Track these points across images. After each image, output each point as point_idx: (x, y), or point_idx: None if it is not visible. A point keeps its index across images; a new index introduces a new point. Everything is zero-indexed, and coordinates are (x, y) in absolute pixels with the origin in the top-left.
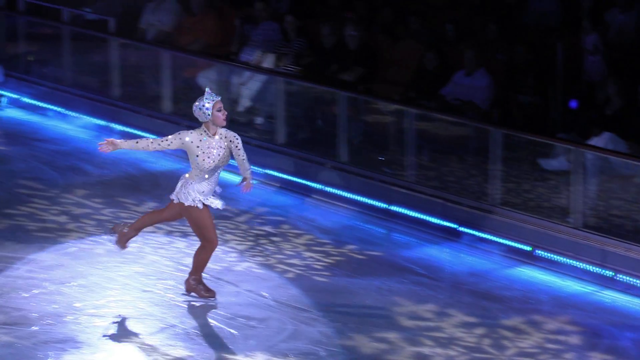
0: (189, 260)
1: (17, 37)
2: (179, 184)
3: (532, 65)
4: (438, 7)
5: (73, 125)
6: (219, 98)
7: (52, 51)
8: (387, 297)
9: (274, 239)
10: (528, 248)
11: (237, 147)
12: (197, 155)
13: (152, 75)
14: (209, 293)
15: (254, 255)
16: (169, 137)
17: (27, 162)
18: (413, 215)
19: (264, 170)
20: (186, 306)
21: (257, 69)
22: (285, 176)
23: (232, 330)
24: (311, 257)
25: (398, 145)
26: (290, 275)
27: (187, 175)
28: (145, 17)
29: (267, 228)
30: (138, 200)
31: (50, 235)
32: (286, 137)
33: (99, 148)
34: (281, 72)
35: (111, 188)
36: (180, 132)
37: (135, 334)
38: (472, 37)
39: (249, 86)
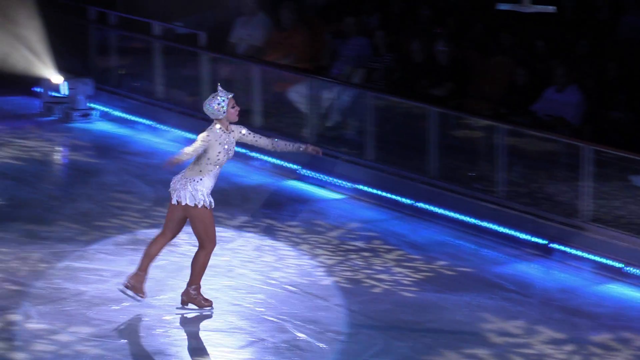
0: (278, 275)
1: (108, 51)
2: (183, 184)
3: (624, 81)
4: (529, 22)
5: (163, 139)
6: (232, 95)
7: (142, 65)
8: (476, 313)
9: (364, 254)
10: (619, 265)
11: (249, 134)
12: (219, 152)
13: (243, 89)
14: (207, 302)
15: (342, 270)
16: (201, 142)
17: (118, 175)
18: (503, 231)
19: (354, 185)
20: (276, 320)
21: (347, 83)
22: (375, 191)
23: (321, 345)
24: (400, 273)
25: (488, 160)
26: (378, 290)
27: (188, 173)
28: (236, 31)
29: (358, 243)
30: (229, 214)
31: (140, 247)
32: (376, 152)
33: (164, 167)
34: (371, 87)
35: None
36: (204, 136)
37: (225, 348)
38: (563, 53)
39: (339, 101)
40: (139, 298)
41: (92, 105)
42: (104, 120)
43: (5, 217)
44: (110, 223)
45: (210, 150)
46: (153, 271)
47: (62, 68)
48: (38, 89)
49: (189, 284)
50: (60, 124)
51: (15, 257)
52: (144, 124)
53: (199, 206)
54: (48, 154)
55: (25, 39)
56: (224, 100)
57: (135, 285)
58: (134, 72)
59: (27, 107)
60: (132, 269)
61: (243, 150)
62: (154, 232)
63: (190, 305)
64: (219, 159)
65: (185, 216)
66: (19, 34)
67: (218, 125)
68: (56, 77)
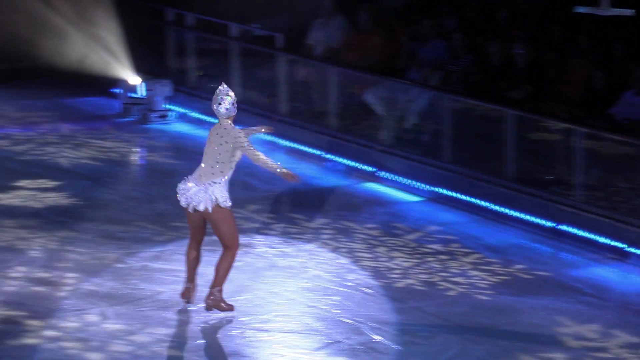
0: (354, 276)
1: (186, 53)
2: (203, 190)
3: None
4: (607, 25)
5: None
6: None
7: (219, 66)
8: (553, 317)
9: (441, 257)
10: None
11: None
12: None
13: (319, 91)
14: (229, 307)
15: (418, 273)
16: (248, 140)
17: None
18: (581, 234)
19: (430, 188)
20: (352, 322)
21: (424, 86)
22: (452, 193)
23: (397, 347)
24: (476, 276)
25: (566, 164)
26: (453, 293)
27: (205, 178)
28: (313, 33)
29: (436, 246)
30: (306, 215)
31: (216, 248)
32: (453, 155)
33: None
34: (448, 90)
35: (278, 203)
36: (244, 134)
37: (301, 349)
38: None
39: (416, 103)
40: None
41: (169, 106)
42: (181, 122)
43: (83, 217)
44: (186, 224)
45: (238, 153)
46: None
47: (140, 69)
48: (116, 90)
49: (213, 286)
50: (137, 125)
51: (92, 257)
52: None
53: (225, 207)
54: (125, 154)
55: (103, 40)
56: (233, 97)
57: (189, 296)
58: (211, 73)
59: (105, 108)
60: (208, 270)
61: (318, 152)
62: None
63: (267, 307)
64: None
65: (204, 218)
66: (98, 35)
67: (230, 124)
68: (134, 79)
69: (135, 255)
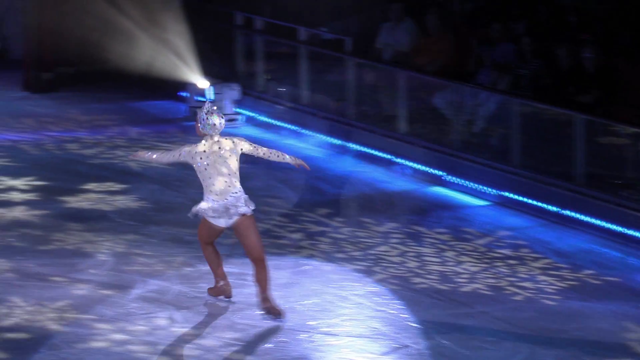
0: (419, 280)
1: (254, 56)
2: (238, 199)
3: None
4: None
5: (308, 144)
6: None
7: (288, 70)
8: (621, 322)
9: (510, 261)
10: None
11: None
12: None
13: (388, 95)
14: (278, 312)
15: (485, 278)
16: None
17: (264, 180)
18: None
19: (498, 192)
20: (419, 326)
21: (493, 90)
22: (520, 198)
23: (465, 352)
24: (544, 281)
25: (635, 168)
26: (519, 297)
27: (234, 189)
28: (382, 37)
29: (505, 251)
30: (375, 219)
31: (283, 252)
32: (521, 159)
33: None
34: (517, 94)
35: (347, 207)
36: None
37: (368, 354)
38: None
39: (484, 107)
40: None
41: (238, 110)
42: (250, 125)
43: (150, 220)
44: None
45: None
46: (296, 276)
47: (208, 73)
48: (184, 94)
49: (261, 293)
50: None
51: (160, 260)
52: (289, 129)
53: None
54: None
55: (172, 44)
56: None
57: (226, 291)
58: (280, 77)
59: (173, 111)
60: (277, 273)
61: (388, 156)
62: (298, 236)
63: (334, 311)
64: None
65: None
66: (166, 39)
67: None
68: (202, 82)
69: (202, 258)
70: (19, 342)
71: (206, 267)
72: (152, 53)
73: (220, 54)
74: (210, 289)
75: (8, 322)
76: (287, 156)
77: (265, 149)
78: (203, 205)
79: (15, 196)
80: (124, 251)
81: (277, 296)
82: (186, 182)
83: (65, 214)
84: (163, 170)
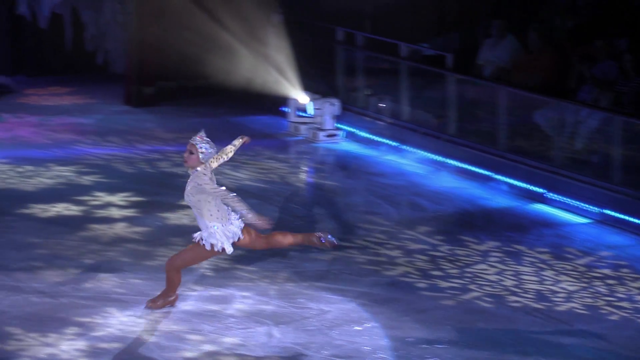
0: (515, 299)
1: (355, 72)
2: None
3: None
4: None
5: (408, 160)
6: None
7: (388, 86)
8: None
9: (609, 281)
10: None
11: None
12: None
13: (488, 111)
14: None
15: (582, 297)
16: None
17: (364, 196)
18: None
19: (600, 210)
20: (517, 344)
21: (595, 107)
22: (622, 216)
23: None
24: None
25: None
26: (615, 317)
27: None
28: (483, 53)
29: (605, 270)
30: (474, 237)
31: (384, 268)
32: (623, 176)
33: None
34: (619, 111)
35: (447, 224)
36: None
37: None
38: None
39: (586, 124)
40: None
41: (338, 125)
42: (350, 141)
43: None
44: (354, 243)
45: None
46: (393, 293)
47: (308, 88)
48: (285, 109)
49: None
50: (306, 143)
51: (262, 275)
52: (389, 144)
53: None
54: (293, 173)
55: (272, 59)
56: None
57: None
58: (380, 93)
59: (274, 126)
60: (374, 289)
61: (488, 173)
62: (395, 254)
63: (438, 327)
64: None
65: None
66: (267, 54)
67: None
68: (303, 98)
69: (302, 273)
70: (108, 352)
71: (306, 283)
72: (252, 68)
73: (320, 69)
74: (157, 302)
75: (101, 332)
76: (235, 142)
77: (226, 148)
78: (233, 229)
79: (115, 212)
80: (226, 266)
81: (374, 312)
82: (285, 197)
83: (167, 229)
84: (263, 186)
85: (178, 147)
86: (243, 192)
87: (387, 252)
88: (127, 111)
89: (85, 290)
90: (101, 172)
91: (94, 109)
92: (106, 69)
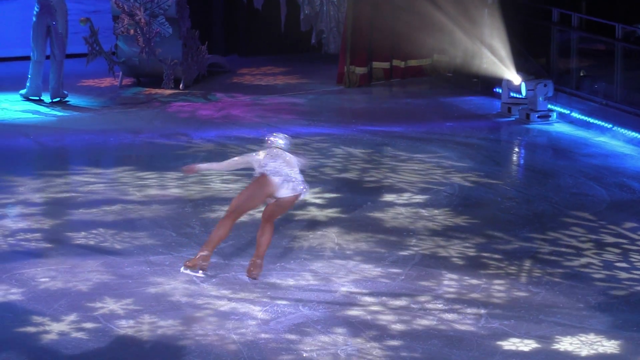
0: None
1: (569, 53)
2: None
3: None
4: None
5: (621, 142)
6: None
7: (602, 67)
8: None
9: None
10: None
11: None
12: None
13: None
14: None
15: None
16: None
17: (574, 177)
18: None
19: None
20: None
21: None
22: None
23: None
24: None
25: None
26: None
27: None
28: None
29: None
30: None
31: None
32: None
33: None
34: None
35: None
36: None
37: None
38: None
39: None
40: None
41: (551, 106)
42: (562, 122)
43: (459, 215)
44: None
45: None
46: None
47: (522, 69)
48: (498, 90)
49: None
50: (518, 125)
51: (474, 263)
52: (601, 126)
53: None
54: (505, 154)
55: (487, 40)
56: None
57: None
58: (594, 74)
59: (486, 107)
60: None
61: None
62: (598, 237)
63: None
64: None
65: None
66: (481, 34)
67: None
68: (516, 79)
69: (513, 255)
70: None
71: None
72: (466, 48)
73: (534, 50)
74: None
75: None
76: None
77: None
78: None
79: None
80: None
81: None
82: (497, 177)
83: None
84: (472, 166)
85: (388, 127)
86: (451, 172)
87: (590, 235)
88: (340, 91)
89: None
90: (314, 152)
91: (306, 89)
92: (319, 50)
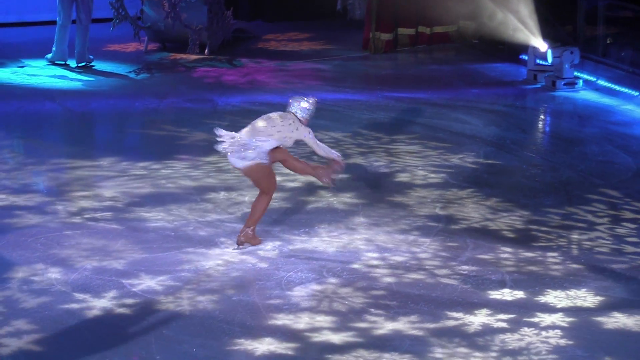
0: None
1: (596, 20)
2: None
3: None
4: None
5: None
6: None
7: (630, 35)
8: None
9: None
10: None
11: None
12: None
13: None
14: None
15: None
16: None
17: (600, 145)
18: None
19: None
20: None
21: None
22: None
23: None
24: None
25: None
26: None
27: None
28: None
29: None
30: None
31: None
32: None
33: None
34: None
35: None
36: None
37: None
38: None
39: None
40: None
41: (577, 74)
42: (588, 89)
43: (484, 183)
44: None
45: None
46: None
47: (548, 36)
48: (524, 57)
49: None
50: (544, 92)
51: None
52: (629, 94)
53: None
54: (530, 121)
55: (514, 6)
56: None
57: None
58: (621, 41)
59: (512, 74)
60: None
61: None
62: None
63: None
64: None
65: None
66: (509, 2)
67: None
68: (542, 45)
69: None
70: None
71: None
72: (492, 15)
73: (561, 17)
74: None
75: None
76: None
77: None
78: None
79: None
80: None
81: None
82: (522, 145)
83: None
84: (499, 133)
85: (414, 93)
86: (478, 139)
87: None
88: (365, 57)
89: None
90: (337, 119)
91: (331, 55)
92: (345, 16)
